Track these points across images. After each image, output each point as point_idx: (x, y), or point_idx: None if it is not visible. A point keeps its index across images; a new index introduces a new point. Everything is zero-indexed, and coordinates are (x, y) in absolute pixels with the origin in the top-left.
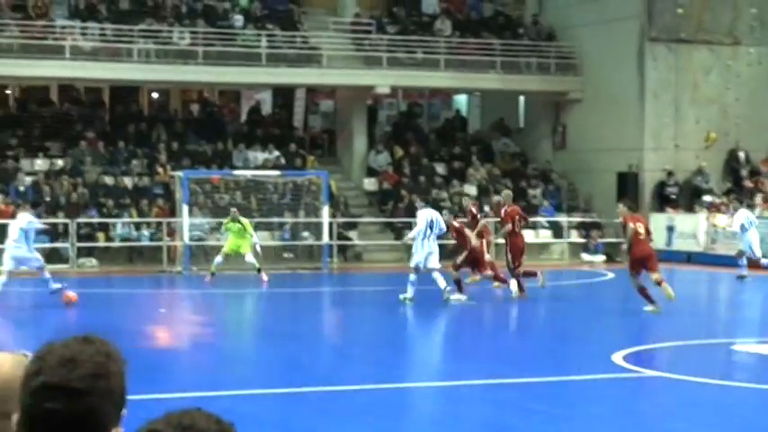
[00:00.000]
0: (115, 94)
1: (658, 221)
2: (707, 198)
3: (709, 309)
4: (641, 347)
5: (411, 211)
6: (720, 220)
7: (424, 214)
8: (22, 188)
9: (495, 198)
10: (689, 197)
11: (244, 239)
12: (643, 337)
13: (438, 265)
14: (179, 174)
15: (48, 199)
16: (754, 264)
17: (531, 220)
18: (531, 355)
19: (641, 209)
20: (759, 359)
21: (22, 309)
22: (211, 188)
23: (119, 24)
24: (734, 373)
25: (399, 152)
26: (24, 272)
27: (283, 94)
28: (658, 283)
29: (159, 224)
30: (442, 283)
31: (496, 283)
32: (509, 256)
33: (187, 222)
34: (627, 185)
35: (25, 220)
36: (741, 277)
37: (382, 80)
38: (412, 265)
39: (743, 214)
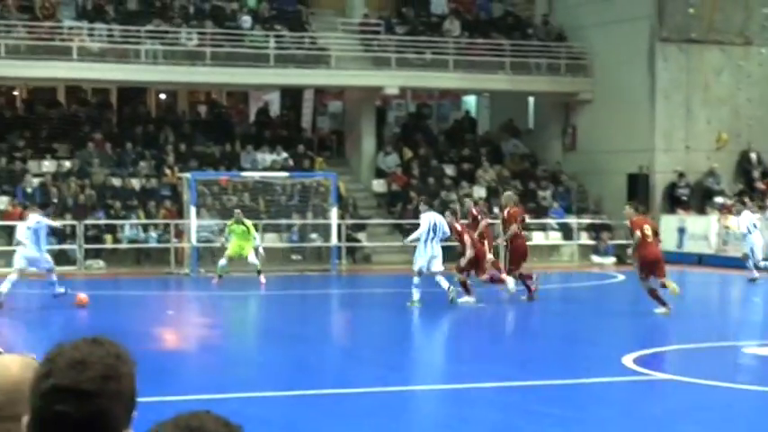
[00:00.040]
0: (123, 96)
1: (669, 223)
2: (718, 199)
3: (720, 311)
4: (652, 350)
5: (419, 213)
6: (732, 221)
7: (427, 217)
8: (29, 190)
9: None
10: (700, 199)
11: (247, 242)
12: (654, 339)
13: (441, 269)
14: (187, 175)
15: (55, 201)
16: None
17: (541, 221)
18: (540, 358)
19: (652, 210)
20: None
21: (30, 310)
22: (219, 190)
23: (126, 25)
24: (745, 376)
25: (408, 153)
26: (33, 273)
27: (291, 96)
28: (663, 285)
29: (167, 226)
30: (445, 284)
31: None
32: (507, 259)
33: (195, 224)
34: (637, 187)
35: (34, 219)
36: (753, 280)
37: (391, 81)
38: (415, 268)
39: (747, 217)
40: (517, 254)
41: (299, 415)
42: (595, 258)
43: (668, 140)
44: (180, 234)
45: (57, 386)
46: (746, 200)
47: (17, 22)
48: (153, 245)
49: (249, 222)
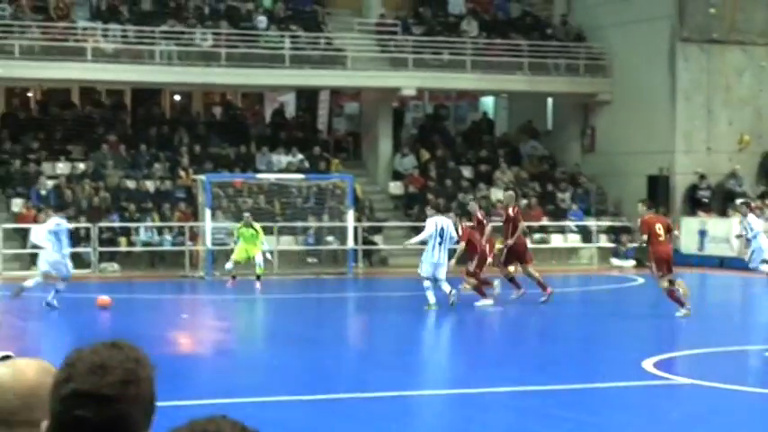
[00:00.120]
0: (137, 97)
1: (690, 226)
2: (749, 202)
3: (741, 315)
4: (672, 354)
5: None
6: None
7: (433, 221)
8: (43, 192)
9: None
10: (721, 201)
11: (255, 246)
12: (674, 343)
13: (444, 276)
14: (201, 177)
15: (69, 203)
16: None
17: (560, 224)
18: (559, 361)
19: (672, 213)
20: None
21: (44, 314)
22: (234, 192)
23: (140, 26)
24: (766, 380)
25: (425, 155)
26: (56, 277)
27: (307, 97)
28: (671, 283)
29: (181, 228)
30: (446, 287)
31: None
32: (503, 257)
33: (210, 227)
34: (657, 189)
35: (53, 222)
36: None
37: (408, 82)
38: (421, 273)
39: (753, 220)
40: (515, 252)
41: (315, 419)
42: (615, 261)
43: (689, 142)
44: (195, 237)
45: (77, 391)
46: (751, 204)
47: (31, 22)
48: (167, 248)
49: (258, 226)
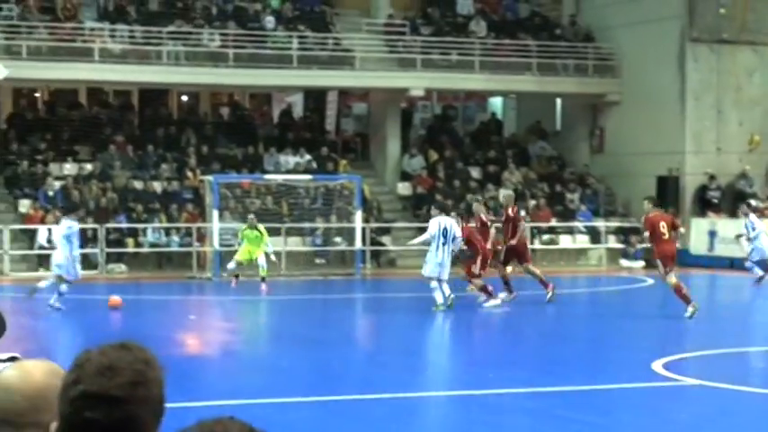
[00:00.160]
0: (144, 98)
1: (700, 226)
2: (751, 202)
3: (751, 316)
4: (682, 355)
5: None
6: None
7: (436, 221)
8: (50, 193)
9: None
10: (732, 201)
11: (258, 247)
12: (684, 344)
13: (447, 277)
14: (209, 178)
15: (79, 204)
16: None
17: (569, 224)
18: (568, 362)
19: (682, 213)
20: None
21: (51, 315)
22: (242, 193)
23: (148, 26)
24: None
25: (434, 156)
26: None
27: (315, 97)
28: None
29: (189, 229)
30: (447, 290)
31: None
32: (502, 256)
33: (217, 228)
34: (667, 189)
35: (65, 225)
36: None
37: (416, 82)
38: (425, 274)
39: (754, 220)
40: (515, 252)
41: (322, 420)
42: (624, 262)
43: (699, 142)
44: (202, 238)
45: (86, 392)
46: (752, 204)
47: (38, 23)
48: (175, 249)
49: (263, 228)
